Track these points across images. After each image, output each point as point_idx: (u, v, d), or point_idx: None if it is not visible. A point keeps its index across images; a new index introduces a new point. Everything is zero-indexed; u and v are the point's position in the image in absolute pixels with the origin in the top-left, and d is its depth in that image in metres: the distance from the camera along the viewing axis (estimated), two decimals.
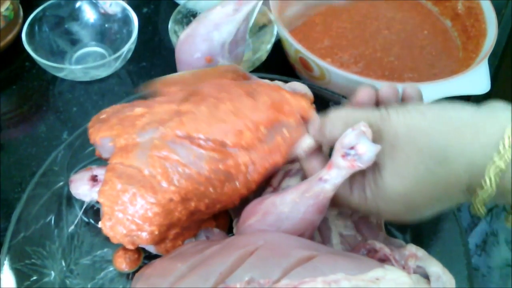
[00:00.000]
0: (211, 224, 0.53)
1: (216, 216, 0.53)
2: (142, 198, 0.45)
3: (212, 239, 0.51)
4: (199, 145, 0.47)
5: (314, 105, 0.58)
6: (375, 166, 0.42)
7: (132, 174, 0.46)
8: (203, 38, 0.54)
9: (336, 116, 0.45)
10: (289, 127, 0.48)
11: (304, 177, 0.51)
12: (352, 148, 0.42)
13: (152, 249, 0.50)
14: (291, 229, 0.45)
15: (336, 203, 0.46)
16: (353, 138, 0.41)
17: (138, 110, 0.50)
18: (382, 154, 0.41)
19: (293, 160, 0.52)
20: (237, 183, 0.47)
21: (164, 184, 0.45)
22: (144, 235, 0.46)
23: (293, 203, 0.44)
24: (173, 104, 0.50)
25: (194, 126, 0.47)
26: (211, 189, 0.46)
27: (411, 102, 0.47)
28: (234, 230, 0.51)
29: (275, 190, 0.51)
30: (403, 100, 0.47)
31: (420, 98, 0.47)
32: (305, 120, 0.49)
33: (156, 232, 0.46)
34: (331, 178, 0.43)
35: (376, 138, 0.42)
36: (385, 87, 0.47)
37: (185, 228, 0.50)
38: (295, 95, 0.51)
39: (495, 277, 0.65)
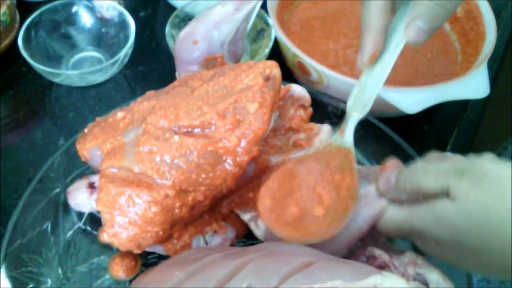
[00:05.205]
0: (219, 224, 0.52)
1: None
2: (138, 198, 0.45)
3: (219, 232, 0.51)
4: (184, 133, 0.47)
5: (311, 109, 0.58)
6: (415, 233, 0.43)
7: (124, 175, 0.46)
8: (203, 36, 0.54)
9: (387, 218, 0.45)
10: (256, 92, 0.48)
11: None
12: None
13: (160, 250, 0.50)
14: (349, 239, 0.46)
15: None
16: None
17: (120, 114, 0.50)
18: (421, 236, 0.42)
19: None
20: (228, 162, 0.47)
21: (156, 178, 0.45)
22: (149, 236, 0.46)
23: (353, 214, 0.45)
24: (151, 100, 0.50)
25: (175, 115, 0.47)
26: (203, 175, 0.46)
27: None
28: (257, 230, 0.49)
29: None
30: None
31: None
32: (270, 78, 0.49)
33: (161, 233, 0.46)
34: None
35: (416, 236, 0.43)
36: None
37: (189, 223, 0.50)
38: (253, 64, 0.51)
39: None
